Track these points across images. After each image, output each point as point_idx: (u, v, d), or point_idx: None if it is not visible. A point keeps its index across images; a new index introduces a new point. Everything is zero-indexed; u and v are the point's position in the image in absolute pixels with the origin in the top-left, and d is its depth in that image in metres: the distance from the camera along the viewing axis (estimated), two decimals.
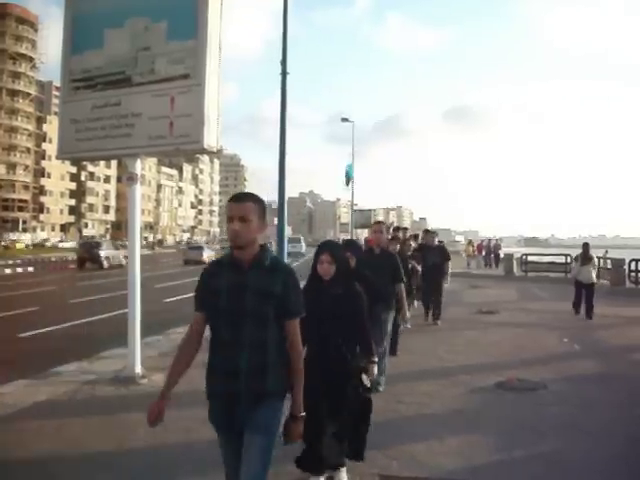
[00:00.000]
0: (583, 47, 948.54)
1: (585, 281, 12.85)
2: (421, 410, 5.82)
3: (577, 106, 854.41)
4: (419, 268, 11.07)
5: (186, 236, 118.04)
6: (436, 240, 12.57)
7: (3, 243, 59.58)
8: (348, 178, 33.79)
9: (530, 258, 27.34)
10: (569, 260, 25.78)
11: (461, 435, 5.07)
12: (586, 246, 13.41)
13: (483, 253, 34.94)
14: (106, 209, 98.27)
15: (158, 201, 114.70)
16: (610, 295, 17.15)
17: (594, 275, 13.01)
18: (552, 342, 9.80)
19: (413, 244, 12.08)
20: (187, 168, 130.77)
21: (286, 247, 12.39)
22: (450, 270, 12.02)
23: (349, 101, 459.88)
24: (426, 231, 13.79)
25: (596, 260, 13.64)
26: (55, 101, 76.52)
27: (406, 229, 13.52)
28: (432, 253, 11.79)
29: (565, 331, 10.79)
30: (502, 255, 30.88)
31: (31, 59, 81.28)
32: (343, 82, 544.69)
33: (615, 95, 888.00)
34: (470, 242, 38.06)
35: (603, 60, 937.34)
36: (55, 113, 66.10)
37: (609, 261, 22.06)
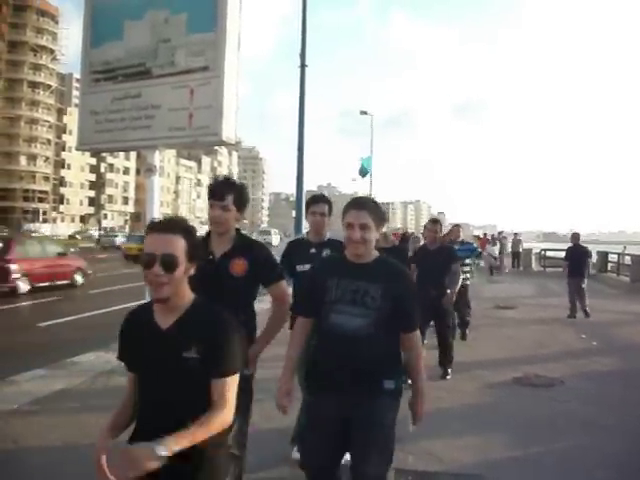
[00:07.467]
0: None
1: (494, 255, 23.27)
2: (437, 404, 5.78)
3: (597, 98, 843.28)
4: None
5: (204, 228, 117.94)
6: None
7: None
8: (364, 172, 33.62)
9: (549, 253, 27.08)
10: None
11: (477, 430, 5.06)
12: (500, 234, 27.45)
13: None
14: (125, 200, 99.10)
15: (177, 193, 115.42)
16: (631, 292, 16.96)
17: (497, 252, 23.96)
18: (570, 338, 9.72)
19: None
20: (206, 160, 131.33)
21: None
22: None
23: (361, 96, 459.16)
24: (455, 226, 10.21)
25: (499, 244, 25.29)
26: (75, 93, 77.35)
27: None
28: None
29: (583, 327, 10.69)
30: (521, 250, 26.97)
31: (52, 51, 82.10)
32: (354, 79, 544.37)
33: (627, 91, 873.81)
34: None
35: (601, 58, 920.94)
36: (75, 105, 66.72)
37: (628, 257, 21.74)
